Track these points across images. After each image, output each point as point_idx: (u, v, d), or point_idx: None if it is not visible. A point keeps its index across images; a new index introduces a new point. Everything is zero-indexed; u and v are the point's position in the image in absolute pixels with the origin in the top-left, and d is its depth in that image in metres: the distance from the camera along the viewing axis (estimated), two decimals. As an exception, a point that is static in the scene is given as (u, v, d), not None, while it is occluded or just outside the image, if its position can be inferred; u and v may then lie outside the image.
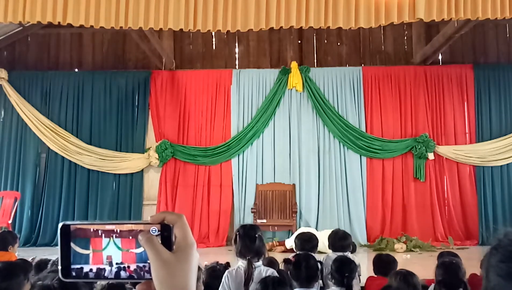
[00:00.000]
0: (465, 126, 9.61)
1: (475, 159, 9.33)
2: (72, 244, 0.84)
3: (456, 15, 5.81)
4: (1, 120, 9.82)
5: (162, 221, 0.83)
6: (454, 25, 7.88)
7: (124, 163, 9.53)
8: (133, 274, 0.84)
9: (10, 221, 8.70)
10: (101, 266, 0.84)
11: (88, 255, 0.84)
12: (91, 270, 0.84)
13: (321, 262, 3.80)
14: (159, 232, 0.82)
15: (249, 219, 9.26)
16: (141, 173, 9.67)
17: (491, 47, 9.97)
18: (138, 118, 9.79)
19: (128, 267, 0.84)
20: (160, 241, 0.82)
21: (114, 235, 0.84)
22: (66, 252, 0.84)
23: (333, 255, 4.47)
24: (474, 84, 9.57)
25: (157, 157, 9.45)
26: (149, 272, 0.82)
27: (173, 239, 0.82)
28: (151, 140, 9.70)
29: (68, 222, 0.84)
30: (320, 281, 3.99)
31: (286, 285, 3.00)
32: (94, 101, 9.78)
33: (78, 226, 0.84)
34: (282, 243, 8.51)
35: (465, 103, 9.62)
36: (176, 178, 9.60)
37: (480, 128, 9.51)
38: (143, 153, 9.59)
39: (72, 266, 0.84)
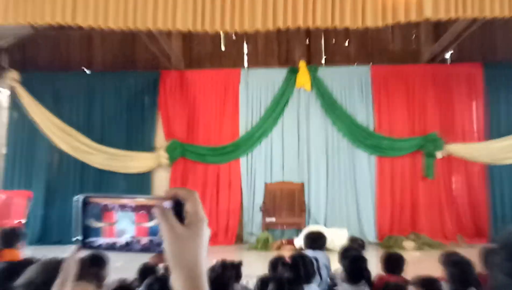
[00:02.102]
0: (474, 124, 9.57)
1: (484, 157, 9.29)
2: (86, 217, 0.88)
3: (463, 14, 5.80)
4: (13, 120, 9.92)
5: (175, 197, 0.86)
6: (462, 24, 7.84)
7: (134, 162, 9.60)
8: (145, 247, 0.87)
9: (23, 221, 8.77)
10: (114, 239, 0.88)
11: (102, 228, 0.88)
12: (104, 242, 0.88)
13: (316, 259, 3.81)
14: (172, 207, 0.85)
15: (258, 218, 9.30)
16: (150, 172, 9.73)
17: (501, 45, 9.90)
18: (148, 118, 9.86)
19: (140, 240, 0.88)
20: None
21: (127, 209, 0.88)
22: (82, 224, 0.88)
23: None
24: (484, 83, 9.52)
25: (167, 156, 9.51)
26: (160, 245, 0.86)
27: (184, 214, 0.85)
28: (160, 139, 9.77)
29: (83, 195, 0.89)
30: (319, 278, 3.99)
31: (301, 284, 3.01)
32: (104, 102, 9.87)
33: (94, 200, 0.88)
34: (291, 242, 8.52)
35: (474, 102, 9.57)
36: (186, 177, 9.65)
37: (489, 126, 9.45)
38: (153, 152, 9.65)
39: (87, 240, 0.88)
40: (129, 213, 0.87)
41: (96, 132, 9.79)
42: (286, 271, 3.48)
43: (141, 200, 0.88)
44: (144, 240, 0.87)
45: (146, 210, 0.87)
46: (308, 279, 3.47)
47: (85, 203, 0.88)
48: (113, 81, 9.92)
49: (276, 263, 4.08)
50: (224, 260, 3.34)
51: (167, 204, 0.85)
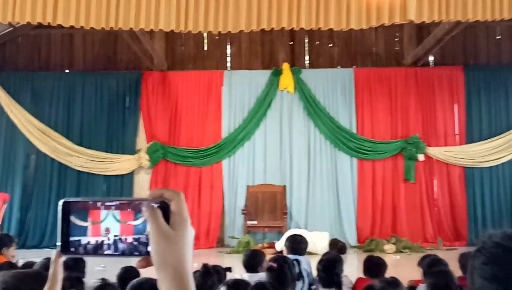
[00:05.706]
0: (455, 127, 9.66)
1: (465, 160, 9.38)
2: (71, 217, 0.85)
3: (446, 17, 5.85)
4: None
5: (161, 197, 0.85)
6: (445, 27, 7.92)
7: (115, 164, 9.49)
8: (130, 247, 0.85)
9: (-1, 223, 8.62)
10: (99, 238, 0.85)
11: (86, 227, 0.86)
12: (89, 242, 0.85)
13: (298, 261, 3.77)
14: (157, 208, 0.84)
15: (239, 221, 9.25)
16: (131, 174, 9.62)
17: (482, 49, 10.01)
18: (129, 119, 9.76)
19: (126, 239, 0.86)
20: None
21: (113, 208, 0.86)
22: (65, 228, 0.85)
23: None
24: (465, 86, 9.61)
25: (148, 158, 9.41)
26: (144, 245, 0.84)
27: (170, 214, 0.84)
28: (142, 141, 9.66)
29: (69, 199, 0.86)
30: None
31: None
32: (84, 102, 9.73)
33: (78, 201, 0.87)
34: (272, 245, 8.48)
35: (456, 105, 9.67)
36: (167, 179, 9.56)
37: (470, 129, 9.55)
38: (134, 154, 9.55)
39: (71, 239, 0.85)
40: (114, 211, 0.86)
41: (76, 134, 9.65)
42: (271, 277, 3.40)
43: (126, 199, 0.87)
44: (129, 239, 0.85)
45: (132, 208, 0.86)
46: (292, 283, 3.41)
47: (69, 204, 0.86)
48: (94, 81, 9.78)
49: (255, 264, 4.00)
50: (207, 265, 3.26)
51: (153, 204, 0.84)
